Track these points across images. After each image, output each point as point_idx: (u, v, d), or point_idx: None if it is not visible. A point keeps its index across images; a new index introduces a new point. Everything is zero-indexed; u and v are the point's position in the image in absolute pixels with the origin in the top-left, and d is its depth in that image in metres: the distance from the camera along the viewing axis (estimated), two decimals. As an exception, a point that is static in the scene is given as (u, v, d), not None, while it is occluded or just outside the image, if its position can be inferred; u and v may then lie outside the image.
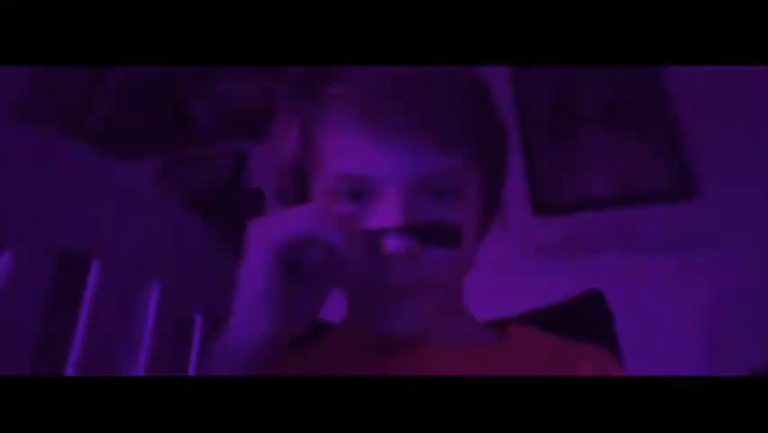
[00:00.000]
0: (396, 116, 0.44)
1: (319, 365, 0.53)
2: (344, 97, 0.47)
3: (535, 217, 1.39)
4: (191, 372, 0.80)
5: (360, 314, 0.53)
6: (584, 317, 0.76)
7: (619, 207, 1.36)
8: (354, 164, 0.46)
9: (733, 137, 1.37)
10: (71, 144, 0.64)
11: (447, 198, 0.46)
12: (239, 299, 0.40)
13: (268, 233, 0.40)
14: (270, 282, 0.39)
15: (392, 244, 0.43)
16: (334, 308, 0.57)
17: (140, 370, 0.70)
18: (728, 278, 1.22)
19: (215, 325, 0.86)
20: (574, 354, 0.52)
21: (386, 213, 0.44)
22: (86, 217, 0.66)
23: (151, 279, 0.76)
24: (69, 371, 0.60)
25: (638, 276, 1.24)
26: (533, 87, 1.56)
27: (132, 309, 0.71)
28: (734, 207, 1.29)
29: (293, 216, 0.40)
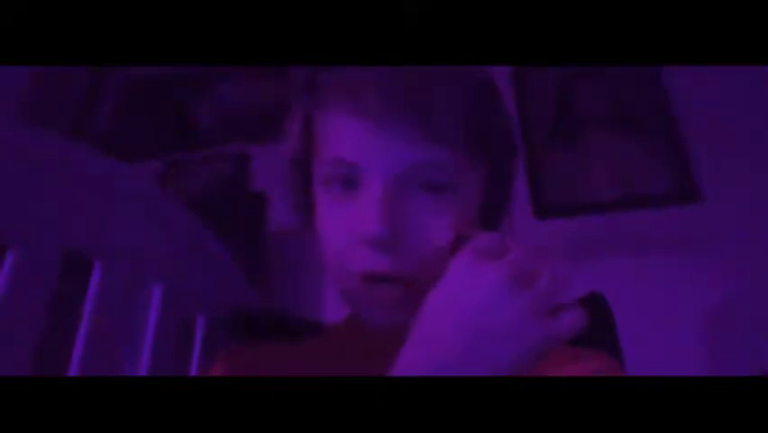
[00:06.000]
0: (390, 105, 0.45)
1: (318, 358, 0.53)
2: (341, 85, 0.47)
3: (537, 220, 1.39)
4: (193, 372, 0.80)
5: (353, 308, 0.53)
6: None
7: (621, 209, 1.36)
8: (345, 149, 0.46)
9: (735, 138, 1.37)
10: (74, 146, 0.64)
11: (438, 192, 0.46)
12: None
13: None
14: None
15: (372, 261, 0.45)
16: (334, 309, 0.57)
17: (142, 370, 0.70)
18: (730, 280, 1.22)
19: (216, 325, 0.86)
20: (576, 361, 0.52)
21: (366, 202, 0.45)
22: (88, 219, 0.66)
23: (153, 280, 0.76)
24: (72, 371, 0.60)
25: (640, 279, 1.24)
26: (534, 89, 1.56)
27: (133, 310, 0.72)
28: (736, 209, 1.29)
29: None
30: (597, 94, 1.53)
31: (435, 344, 0.37)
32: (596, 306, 0.78)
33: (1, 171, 0.56)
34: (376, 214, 0.44)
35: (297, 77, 0.54)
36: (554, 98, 1.55)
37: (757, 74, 1.39)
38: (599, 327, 0.76)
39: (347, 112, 0.46)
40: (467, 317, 0.37)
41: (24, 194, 0.58)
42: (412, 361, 0.38)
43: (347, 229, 0.46)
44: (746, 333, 1.16)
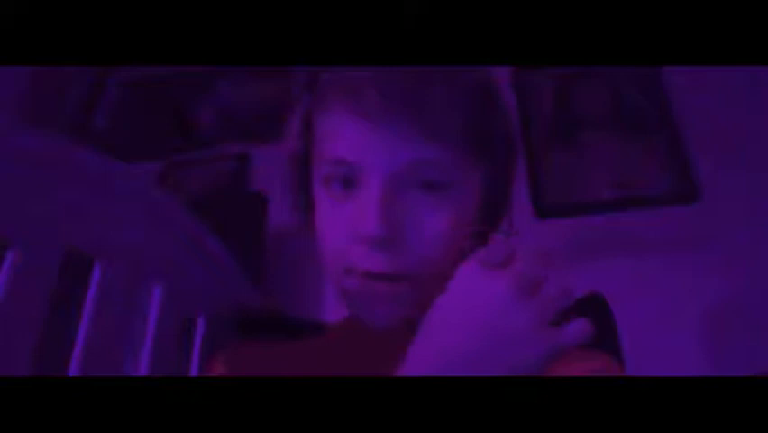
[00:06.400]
0: (389, 104, 0.45)
1: (318, 358, 0.53)
2: (341, 84, 0.48)
3: (537, 220, 1.39)
4: (193, 372, 0.80)
5: (351, 307, 0.53)
6: (585, 321, 0.76)
7: (621, 209, 1.36)
8: (345, 149, 0.46)
9: (735, 139, 1.37)
10: (75, 146, 0.64)
11: (437, 191, 0.46)
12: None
13: None
14: None
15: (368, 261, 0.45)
16: (334, 309, 0.57)
17: (142, 370, 0.70)
18: (730, 280, 1.22)
19: (217, 325, 0.86)
20: (576, 361, 0.52)
21: (365, 201, 0.45)
22: (89, 219, 0.66)
23: (153, 280, 0.76)
24: (72, 371, 0.60)
25: (640, 279, 1.24)
26: (534, 89, 1.56)
27: (134, 310, 0.72)
28: (736, 210, 1.29)
29: None
30: (597, 94, 1.53)
31: (443, 346, 0.37)
32: (596, 306, 0.78)
33: (1, 171, 0.56)
34: (374, 213, 0.44)
35: (298, 76, 0.54)
36: (554, 98, 1.55)
37: (757, 74, 1.39)
38: (599, 327, 0.76)
39: (347, 111, 0.46)
40: (474, 324, 0.37)
41: (24, 194, 0.59)
42: (419, 362, 0.38)
43: (346, 228, 0.46)
44: (746, 333, 1.16)
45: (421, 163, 0.46)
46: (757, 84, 1.40)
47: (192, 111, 1.83)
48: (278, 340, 0.60)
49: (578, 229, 1.36)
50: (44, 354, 0.57)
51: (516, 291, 0.36)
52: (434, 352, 0.37)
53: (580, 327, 0.36)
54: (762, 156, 1.33)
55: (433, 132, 0.45)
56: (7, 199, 0.57)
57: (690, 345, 1.17)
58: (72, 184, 0.64)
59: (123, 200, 0.71)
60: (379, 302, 0.46)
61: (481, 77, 0.51)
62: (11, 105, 1.64)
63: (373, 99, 0.45)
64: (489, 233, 0.55)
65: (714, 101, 1.42)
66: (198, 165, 1.71)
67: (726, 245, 1.25)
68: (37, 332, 0.56)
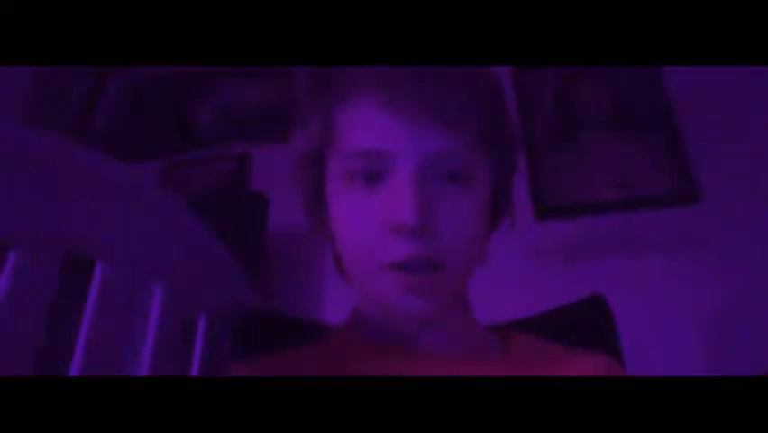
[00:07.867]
0: (410, 97, 0.45)
1: (318, 363, 0.53)
2: (367, 79, 0.48)
3: (538, 221, 1.39)
4: (194, 372, 0.80)
5: (369, 302, 0.53)
6: (586, 322, 0.76)
7: (621, 210, 1.36)
8: (372, 139, 0.47)
9: (735, 139, 1.37)
10: (76, 146, 0.64)
11: (458, 182, 0.47)
12: None
13: None
14: None
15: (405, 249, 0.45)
16: (334, 309, 0.57)
17: (143, 370, 0.70)
18: (731, 280, 1.22)
19: (218, 325, 0.86)
20: (577, 362, 0.52)
21: (396, 190, 0.45)
22: (90, 219, 0.66)
23: (154, 280, 0.76)
24: (73, 371, 0.60)
25: (640, 280, 1.24)
26: (534, 89, 1.56)
27: (135, 310, 0.72)
28: (736, 210, 1.29)
29: None
30: (597, 94, 1.53)
31: None
32: (597, 306, 0.78)
33: (2, 172, 0.56)
34: (409, 201, 0.44)
35: (314, 75, 0.54)
36: (554, 98, 1.55)
37: (757, 74, 1.39)
38: (600, 327, 0.76)
39: (374, 104, 0.47)
40: None
41: (26, 194, 0.59)
42: None
43: (375, 219, 0.46)
44: (746, 333, 1.16)
45: (446, 154, 0.46)
46: (757, 84, 1.40)
47: (192, 111, 1.83)
48: (276, 345, 0.59)
49: (579, 230, 1.36)
50: (45, 354, 0.57)
51: None
52: None
53: None
54: (762, 156, 1.33)
55: (454, 125, 0.46)
56: (7, 199, 0.57)
57: (690, 345, 1.17)
58: (72, 184, 0.64)
59: (124, 200, 0.71)
60: (413, 292, 0.46)
61: (493, 77, 0.52)
62: (11, 106, 1.64)
63: (400, 93, 0.45)
64: (492, 231, 0.56)
65: (714, 101, 1.42)
66: (198, 165, 1.71)
67: (726, 245, 1.25)
68: (38, 332, 0.56)
